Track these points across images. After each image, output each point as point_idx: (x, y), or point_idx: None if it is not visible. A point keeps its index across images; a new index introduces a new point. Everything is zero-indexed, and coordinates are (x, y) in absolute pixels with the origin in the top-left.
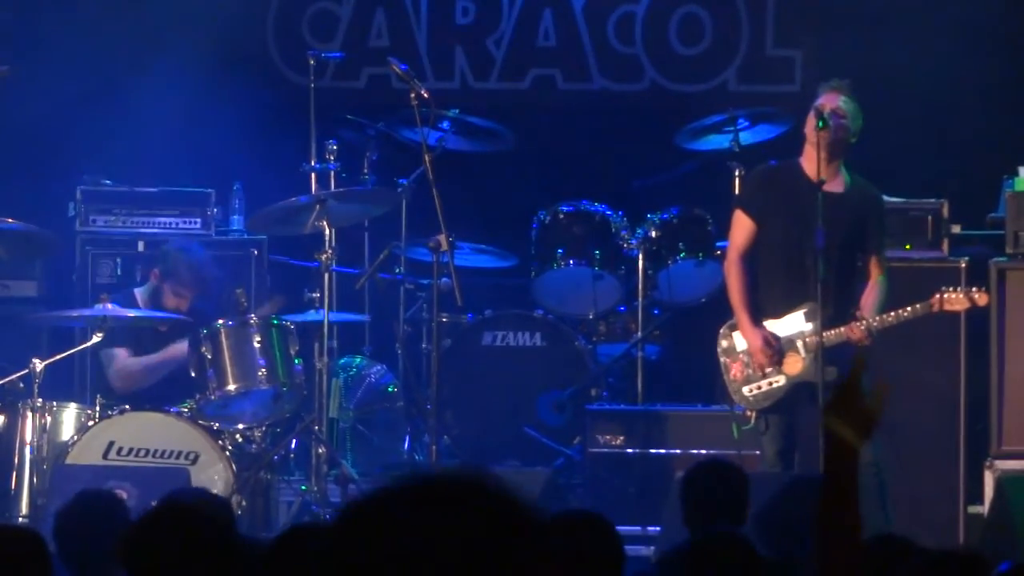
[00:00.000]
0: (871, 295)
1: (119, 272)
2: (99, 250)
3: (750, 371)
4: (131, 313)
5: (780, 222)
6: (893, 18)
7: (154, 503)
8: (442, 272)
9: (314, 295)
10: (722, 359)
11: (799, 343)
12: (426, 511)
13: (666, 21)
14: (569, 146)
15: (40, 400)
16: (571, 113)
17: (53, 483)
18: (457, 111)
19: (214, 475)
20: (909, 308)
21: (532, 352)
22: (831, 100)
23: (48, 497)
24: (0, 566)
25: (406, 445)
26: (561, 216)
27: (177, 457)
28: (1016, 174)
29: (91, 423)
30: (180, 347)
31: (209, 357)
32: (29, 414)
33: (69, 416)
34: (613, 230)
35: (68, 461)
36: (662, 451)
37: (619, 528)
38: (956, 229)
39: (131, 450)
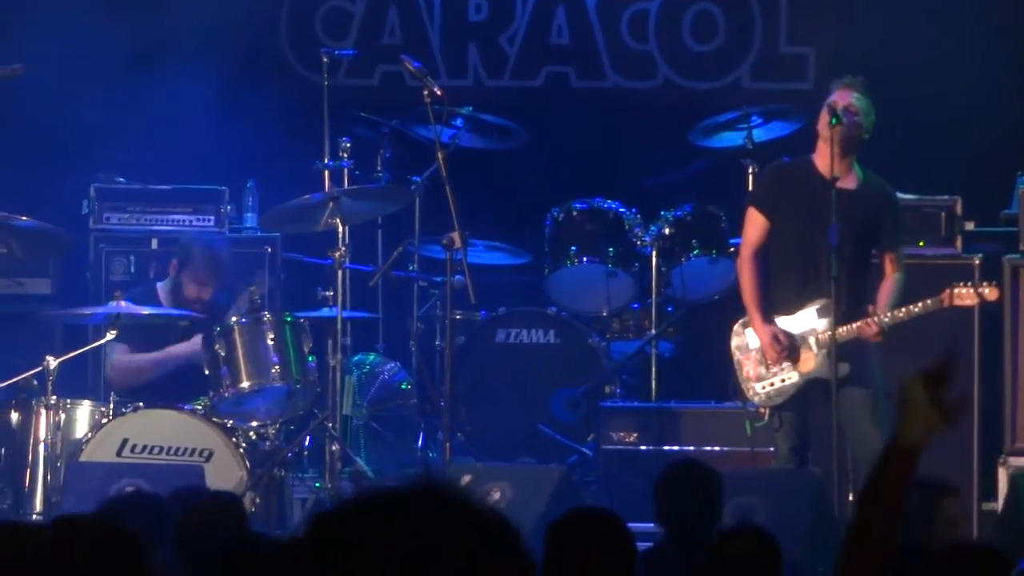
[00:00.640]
0: (886, 292)
1: (133, 269)
2: (113, 247)
3: (763, 368)
4: (145, 310)
5: (793, 219)
6: (906, 15)
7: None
8: (456, 269)
9: (327, 293)
10: (735, 356)
11: (812, 339)
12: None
13: (679, 18)
14: (582, 143)
15: (54, 397)
16: (584, 110)
17: (67, 480)
18: (470, 108)
19: (228, 472)
20: (920, 304)
21: (546, 349)
22: (844, 97)
23: (62, 494)
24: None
25: (420, 442)
26: (575, 213)
27: (191, 454)
28: None
29: (105, 420)
30: (180, 348)
31: (223, 354)
32: (43, 411)
33: (83, 413)
34: (627, 227)
35: (82, 458)
36: (676, 448)
37: (633, 525)
38: (970, 226)
39: (145, 447)
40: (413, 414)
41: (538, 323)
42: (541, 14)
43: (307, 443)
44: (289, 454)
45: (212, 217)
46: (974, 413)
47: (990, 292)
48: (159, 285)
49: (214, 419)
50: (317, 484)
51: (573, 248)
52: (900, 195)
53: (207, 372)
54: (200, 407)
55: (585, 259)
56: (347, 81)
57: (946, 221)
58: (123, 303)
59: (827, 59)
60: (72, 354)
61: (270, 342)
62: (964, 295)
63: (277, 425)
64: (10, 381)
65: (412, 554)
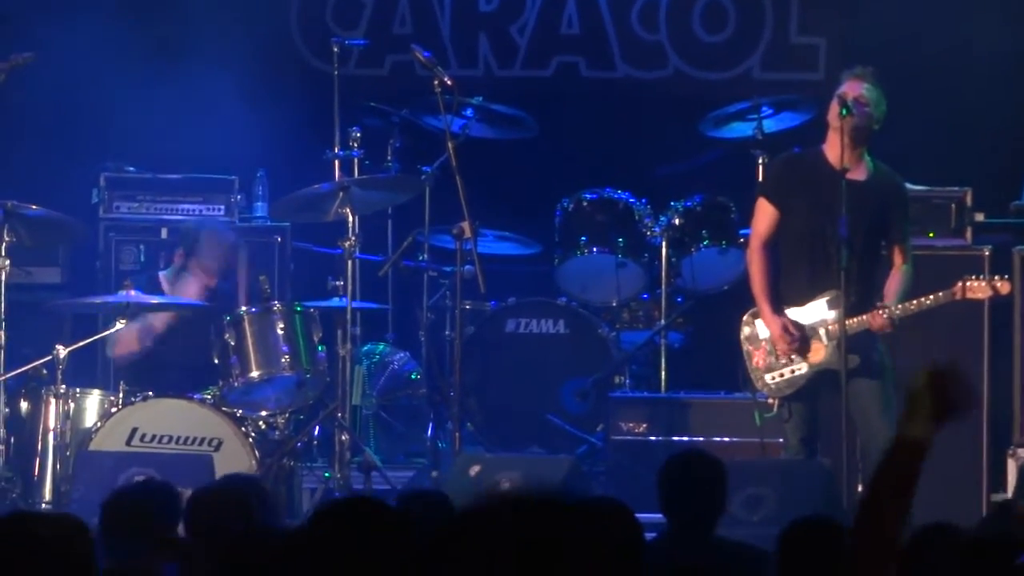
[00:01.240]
0: (894, 283)
1: (142, 258)
2: (122, 236)
3: (772, 359)
4: (154, 299)
5: (803, 210)
6: (916, 6)
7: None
8: (465, 259)
9: (337, 282)
10: (744, 347)
11: (821, 331)
12: None
13: (690, 8)
14: (593, 133)
15: (63, 386)
16: (595, 100)
17: (76, 469)
18: (481, 98)
19: (237, 462)
20: (931, 296)
21: (555, 339)
22: (854, 88)
23: (71, 483)
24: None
25: (429, 432)
26: (584, 203)
27: (200, 444)
28: None
29: (114, 409)
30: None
31: (232, 344)
32: (52, 400)
33: (92, 402)
34: (636, 218)
35: (91, 447)
36: (685, 439)
37: (641, 515)
38: (979, 217)
39: (154, 436)
40: (422, 404)
41: (548, 313)
42: (551, 4)
43: (316, 433)
44: (298, 444)
45: (222, 206)
46: (983, 404)
47: (1003, 286)
48: (161, 274)
49: (223, 408)
50: (326, 474)
51: (583, 238)
52: (910, 186)
53: (217, 361)
54: (209, 396)
55: (595, 249)
56: (357, 71)
57: (956, 212)
58: (132, 292)
59: (838, 50)
60: (82, 343)
61: (280, 331)
62: (976, 288)
63: (287, 415)
64: (20, 370)
65: None
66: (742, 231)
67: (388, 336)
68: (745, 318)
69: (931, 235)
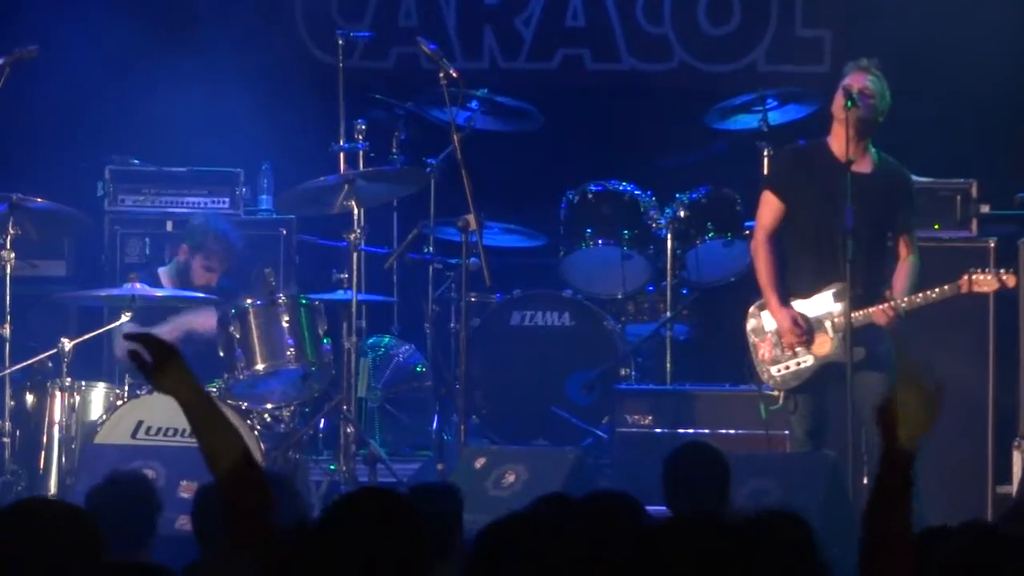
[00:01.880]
0: (901, 276)
1: (148, 252)
2: (128, 229)
3: (778, 351)
4: (159, 292)
5: (808, 202)
6: None
7: (184, 482)
8: (471, 252)
9: (342, 275)
10: (750, 339)
11: (827, 323)
12: None
13: (695, 1)
14: (598, 126)
15: (69, 380)
16: (600, 93)
17: (82, 463)
18: (486, 91)
19: None
20: (937, 289)
21: (561, 332)
22: (858, 79)
23: (77, 476)
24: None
25: (434, 425)
26: (590, 196)
27: None
28: None
29: (120, 403)
30: (189, 318)
31: (237, 336)
32: (58, 394)
33: (98, 396)
34: (642, 210)
35: (97, 441)
36: (690, 431)
37: (647, 508)
38: (985, 209)
39: (159, 430)
40: (428, 396)
41: (553, 305)
42: None
43: (322, 425)
44: (304, 436)
45: (227, 199)
46: (989, 396)
47: (1009, 279)
48: (161, 270)
49: (229, 401)
50: (332, 467)
51: (588, 230)
52: (915, 178)
53: (222, 354)
54: (215, 389)
55: (600, 242)
56: (363, 63)
57: (961, 204)
58: (138, 285)
59: (843, 42)
60: (87, 336)
61: (285, 324)
62: (983, 281)
63: (292, 407)
64: (25, 363)
65: None
66: (747, 223)
67: (393, 329)
68: (751, 310)
69: (936, 227)
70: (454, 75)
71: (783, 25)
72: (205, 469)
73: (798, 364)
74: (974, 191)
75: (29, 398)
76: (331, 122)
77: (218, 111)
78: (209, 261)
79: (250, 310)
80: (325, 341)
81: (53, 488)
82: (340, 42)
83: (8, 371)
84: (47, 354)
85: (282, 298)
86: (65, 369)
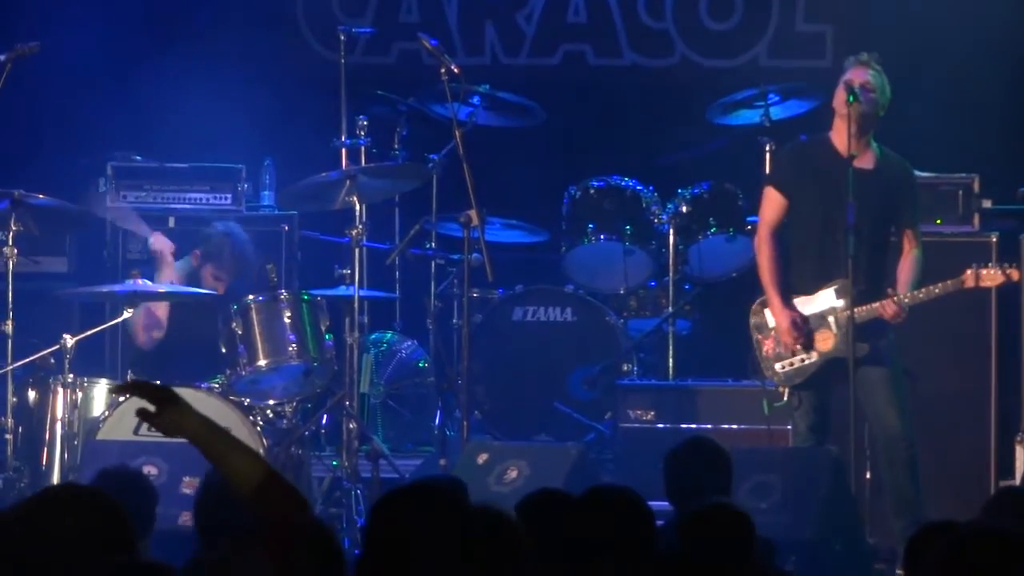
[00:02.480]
0: (905, 270)
1: (149, 248)
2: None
3: (781, 348)
4: (161, 289)
5: (811, 198)
6: None
7: (186, 479)
8: (473, 247)
9: (345, 271)
10: (754, 335)
11: (831, 319)
12: None
13: None
14: (599, 121)
15: (71, 376)
16: (601, 88)
17: (84, 459)
18: (487, 86)
19: None
20: (941, 284)
21: (563, 327)
22: (859, 74)
23: (79, 473)
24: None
25: (437, 420)
26: (592, 191)
27: None
28: None
29: (122, 399)
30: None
31: (240, 333)
32: (60, 390)
33: (100, 392)
34: (644, 205)
35: (99, 437)
36: (693, 426)
37: (650, 503)
38: (987, 204)
39: None
40: (430, 392)
41: (555, 301)
42: None
43: (324, 421)
44: (306, 432)
45: (229, 195)
46: (991, 391)
47: (1013, 273)
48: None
49: (231, 397)
50: (334, 462)
51: (590, 226)
52: (917, 173)
53: (224, 350)
54: (217, 385)
55: (602, 237)
56: (364, 59)
57: (963, 199)
58: (140, 281)
59: (844, 37)
60: (89, 332)
61: (287, 320)
62: (987, 276)
63: (294, 403)
64: (27, 360)
65: None
66: (749, 218)
67: (395, 324)
68: (754, 307)
69: (938, 222)
70: (456, 71)
71: (784, 20)
72: (206, 465)
73: (802, 360)
74: (976, 186)
75: (31, 394)
76: (333, 118)
77: (220, 107)
78: (220, 272)
79: (252, 306)
80: (327, 337)
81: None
82: (342, 38)
83: (10, 367)
84: (49, 350)
85: (284, 294)
86: (67, 365)
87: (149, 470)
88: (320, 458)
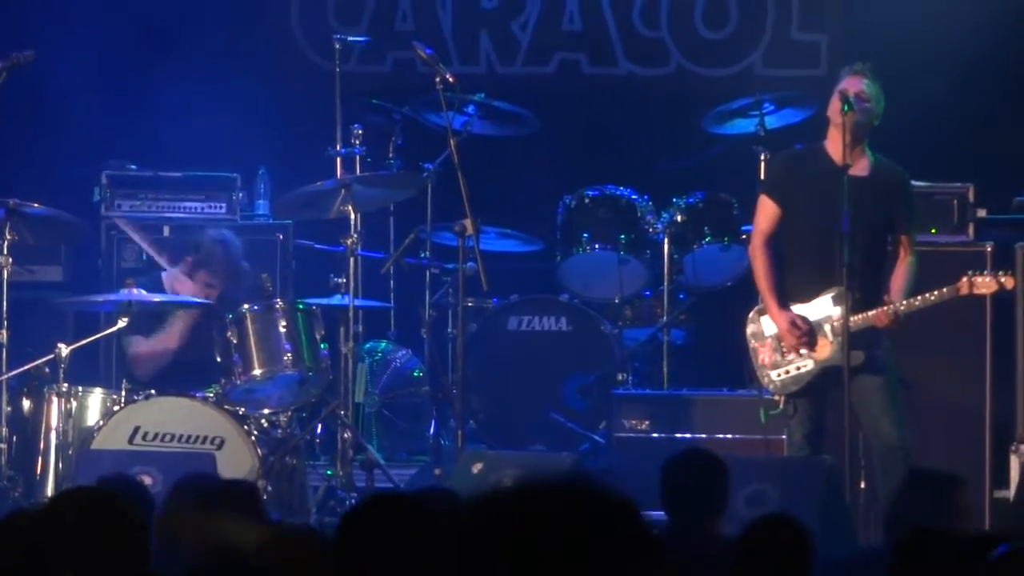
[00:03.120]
0: (899, 277)
1: (144, 257)
2: (124, 235)
3: (778, 356)
4: (156, 298)
5: (806, 207)
6: (917, 2)
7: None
8: (468, 257)
9: (340, 280)
10: (750, 344)
11: (827, 327)
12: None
13: (691, 5)
14: (594, 130)
15: (66, 385)
16: (596, 97)
17: (79, 468)
18: (482, 95)
19: (240, 460)
20: (936, 292)
21: (558, 337)
22: (854, 83)
23: (73, 482)
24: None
25: (432, 430)
26: (587, 200)
27: (203, 442)
28: None
29: (117, 408)
30: (187, 323)
31: (235, 342)
32: (55, 399)
33: (95, 401)
34: (639, 214)
35: (94, 446)
36: (688, 435)
37: (645, 513)
38: (982, 213)
39: (157, 435)
40: (425, 402)
41: (550, 310)
42: (553, 1)
43: (319, 431)
44: (301, 442)
45: (224, 204)
46: (986, 400)
47: (1007, 281)
48: (163, 275)
49: (226, 406)
50: (329, 472)
51: (585, 235)
52: (912, 182)
53: (219, 359)
54: (212, 395)
55: (597, 246)
56: (359, 68)
57: (958, 208)
58: (135, 291)
59: (839, 46)
60: (84, 341)
61: (282, 329)
62: (981, 284)
63: (289, 413)
64: (22, 368)
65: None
66: (744, 227)
67: (390, 334)
68: (750, 315)
69: (933, 231)
70: (451, 79)
71: (779, 29)
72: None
73: (798, 368)
74: (971, 195)
75: (26, 403)
76: (328, 127)
77: (215, 116)
78: (212, 278)
79: (247, 315)
80: (322, 346)
81: (50, 494)
82: (337, 47)
83: (5, 376)
84: (44, 359)
85: (279, 303)
86: (62, 374)
87: (144, 479)
88: (315, 467)
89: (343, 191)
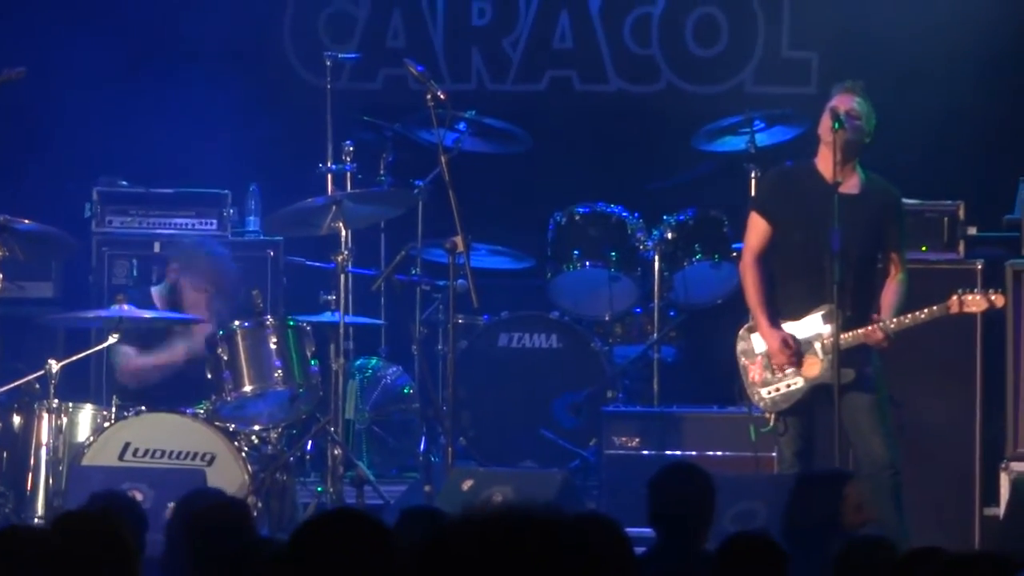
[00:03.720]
0: (890, 295)
1: (135, 273)
2: (115, 251)
3: (768, 373)
4: (147, 314)
5: (796, 224)
6: (908, 20)
7: (171, 504)
8: (458, 273)
9: (330, 296)
10: (741, 361)
11: (817, 345)
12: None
13: (682, 22)
14: (585, 147)
15: (56, 401)
16: (587, 114)
17: (69, 484)
18: (473, 112)
19: (230, 476)
20: (926, 310)
21: (548, 354)
22: (845, 101)
23: (64, 498)
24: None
25: (422, 447)
26: (577, 217)
27: (193, 458)
28: None
29: (107, 424)
30: (186, 347)
31: (225, 358)
32: (45, 415)
33: (85, 417)
34: (629, 232)
35: (84, 462)
36: (678, 452)
37: (634, 530)
38: (972, 231)
39: (147, 451)
40: (415, 418)
41: (540, 327)
42: (544, 18)
43: (309, 447)
44: (291, 458)
45: (215, 221)
46: (976, 418)
47: (998, 299)
48: (153, 290)
49: (216, 423)
50: (319, 488)
51: (576, 252)
52: (903, 200)
53: (209, 376)
54: (202, 411)
55: (588, 263)
56: (350, 85)
57: (948, 226)
58: (125, 306)
59: (830, 64)
60: (74, 358)
61: (273, 346)
62: (971, 301)
63: (279, 429)
64: (12, 384)
65: None
66: (735, 245)
67: (381, 350)
68: (741, 332)
69: (924, 249)
70: (442, 96)
71: (770, 47)
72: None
73: (788, 386)
74: (961, 213)
75: (16, 420)
76: (319, 143)
77: (206, 133)
78: (197, 281)
79: (238, 332)
80: (313, 363)
81: (40, 510)
82: (328, 63)
83: None
84: (34, 375)
85: (270, 320)
86: (52, 390)
87: (134, 495)
88: (305, 484)
89: (334, 208)
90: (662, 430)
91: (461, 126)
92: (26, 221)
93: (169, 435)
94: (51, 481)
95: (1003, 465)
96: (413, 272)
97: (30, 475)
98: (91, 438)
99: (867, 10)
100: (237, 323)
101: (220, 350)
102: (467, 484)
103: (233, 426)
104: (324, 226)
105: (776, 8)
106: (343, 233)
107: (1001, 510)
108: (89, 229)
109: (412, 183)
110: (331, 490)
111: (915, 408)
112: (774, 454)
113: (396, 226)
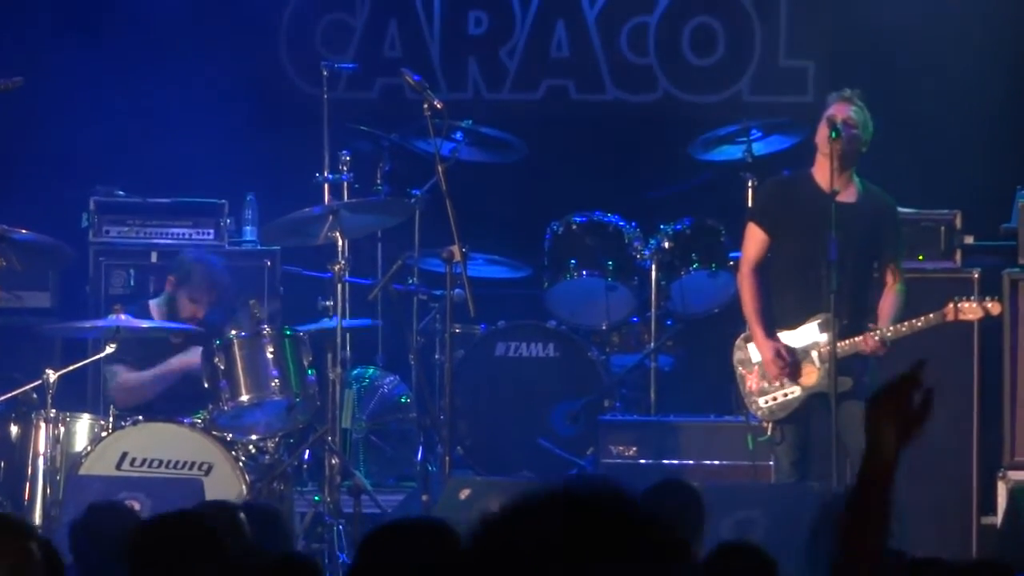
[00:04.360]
0: (887, 304)
1: (132, 283)
2: (112, 261)
3: (765, 383)
4: (144, 324)
5: (793, 233)
6: (905, 29)
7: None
8: (455, 283)
9: (328, 303)
10: (738, 370)
11: (814, 354)
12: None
13: (679, 32)
14: (582, 157)
15: (53, 411)
16: (584, 124)
17: (66, 494)
18: (470, 122)
19: (227, 486)
20: (923, 318)
21: (545, 363)
22: (842, 110)
23: (61, 508)
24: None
25: (419, 456)
26: (574, 227)
27: (190, 468)
28: None
29: (104, 434)
30: (181, 360)
31: (222, 368)
32: (42, 425)
33: (82, 427)
34: (626, 241)
35: (81, 472)
36: (675, 462)
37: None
38: (969, 240)
39: (144, 461)
40: (412, 428)
41: (538, 337)
42: (541, 27)
43: (306, 457)
44: (289, 468)
45: (212, 230)
46: (973, 427)
47: (994, 307)
48: (152, 303)
49: (213, 433)
50: (316, 498)
51: (572, 261)
52: (899, 209)
53: (206, 385)
54: (199, 421)
55: (584, 273)
56: (347, 94)
57: (945, 235)
58: (123, 316)
59: (826, 72)
60: (71, 367)
61: (269, 355)
62: (968, 310)
63: (277, 439)
64: (10, 394)
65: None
66: (732, 254)
67: (378, 360)
68: (738, 342)
69: (921, 258)
70: (438, 106)
71: (767, 56)
72: (189, 499)
73: (785, 395)
74: (958, 222)
75: (13, 429)
76: (316, 153)
77: (203, 143)
78: (194, 293)
79: (235, 341)
80: (310, 372)
81: (38, 519)
82: (324, 73)
83: None
84: (31, 385)
85: (267, 329)
86: (50, 400)
87: (132, 505)
88: (302, 493)
89: (331, 217)
90: (659, 439)
91: (458, 135)
92: (23, 231)
93: (166, 445)
94: (48, 491)
95: (1000, 474)
96: (410, 281)
97: (27, 485)
98: (88, 448)
99: (864, 19)
100: (234, 333)
101: (217, 359)
102: (465, 493)
103: (230, 436)
104: (321, 236)
105: (773, 17)
106: (340, 243)
107: (999, 519)
108: (86, 239)
109: (409, 192)
110: (328, 499)
111: None
112: (771, 463)
113: (393, 235)
